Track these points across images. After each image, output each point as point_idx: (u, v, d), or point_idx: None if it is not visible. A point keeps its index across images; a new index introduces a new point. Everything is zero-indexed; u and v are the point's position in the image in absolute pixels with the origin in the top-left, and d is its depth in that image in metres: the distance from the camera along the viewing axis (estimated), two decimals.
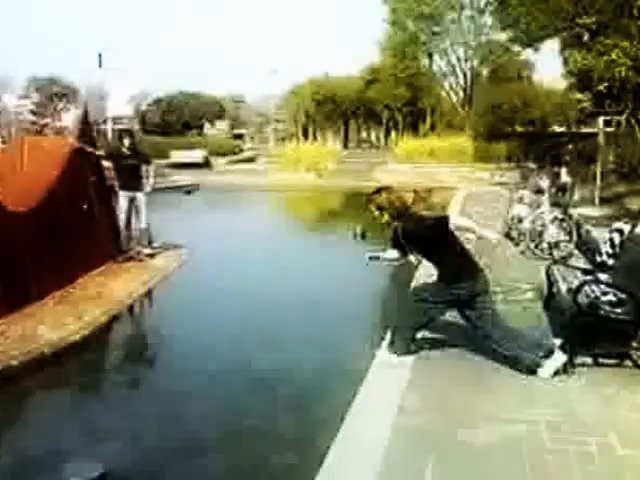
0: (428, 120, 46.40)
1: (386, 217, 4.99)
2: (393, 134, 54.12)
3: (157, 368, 6.55)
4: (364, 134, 66.73)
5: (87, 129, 10.34)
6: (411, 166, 28.04)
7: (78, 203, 9.33)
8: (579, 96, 21.66)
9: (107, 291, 8.37)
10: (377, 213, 5.03)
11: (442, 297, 4.97)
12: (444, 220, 4.99)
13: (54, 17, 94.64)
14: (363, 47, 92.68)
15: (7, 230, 7.28)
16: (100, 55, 30.35)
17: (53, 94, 51.13)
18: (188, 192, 23.18)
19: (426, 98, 47.02)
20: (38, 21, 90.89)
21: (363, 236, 13.28)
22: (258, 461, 4.38)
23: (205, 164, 33.58)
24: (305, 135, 51.70)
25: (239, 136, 55.83)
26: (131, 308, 8.31)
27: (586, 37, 17.90)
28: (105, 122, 30.36)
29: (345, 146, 54.44)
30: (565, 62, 20.56)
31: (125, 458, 4.44)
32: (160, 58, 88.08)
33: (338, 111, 55.08)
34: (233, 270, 10.22)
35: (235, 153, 41.25)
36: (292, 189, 23.84)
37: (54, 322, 6.97)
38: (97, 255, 9.51)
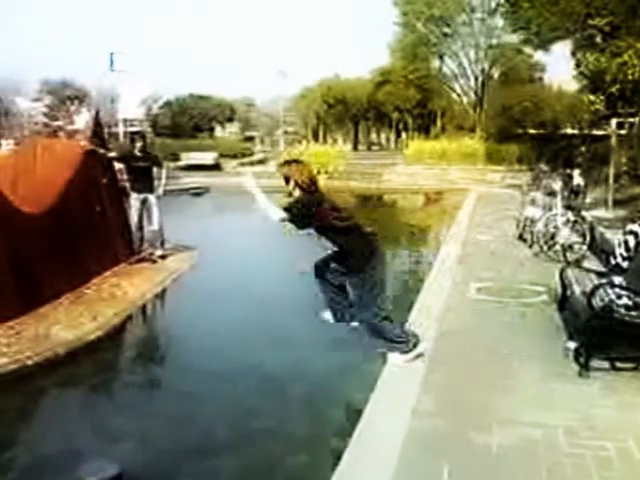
0: (439, 122, 46.40)
1: (290, 186, 5.16)
2: (403, 136, 54.12)
3: (171, 368, 6.57)
4: (374, 136, 66.71)
5: (99, 131, 10.40)
6: (422, 168, 28.02)
7: (91, 205, 9.38)
8: (591, 98, 21.54)
9: (120, 292, 8.41)
10: (284, 182, 5.22)
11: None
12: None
13: (65, 20, 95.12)
14: (373, 49, 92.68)
15: (22, 231, 7.33)
16: (112, 57, 30.45)
17: (65, 97, 51.38)
18: (198, 194, 23.25)
19: (437, 100, 47.04)
20: (49, 24, 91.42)
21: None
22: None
23: (215, 166, 33.65)
24: (315, 137, 51.76)
25: (250, 138, 55.91)
26: (144, 309, 8.34)
27: (599, 39, 17.81)
28: (117, 124, 30.50)
29: (355, 148, 54.41)
30: (577, 64, 20.45)
31: (138, 458, 4.45)
32: (170, 61, 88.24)
33: (348, 113, 55.10)
34: (245, 271, 10.22)
35: (245, 155, 41.32)
36: None
37: (69, 322, 7.02)
38: (110, 256, 9.56)
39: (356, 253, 5.06)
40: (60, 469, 4.31)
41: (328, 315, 5.60)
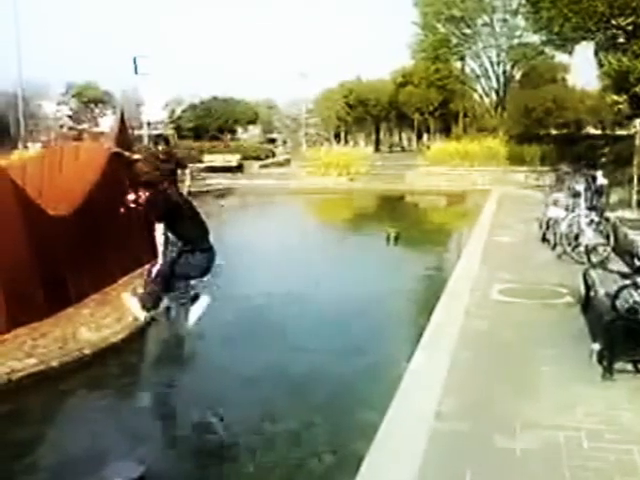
0: (460, 123, 46.16)
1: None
2: (425, 137, 53.97)
3: (192, 370, 6.64)
4: (396, 137, 66.54)
5: (124, 134, 10.49)
6: (444, 169, 27.90)
7: (116, 207, 9.45)
8: (615, 98, 21.29)
9: None
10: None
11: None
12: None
13: (90, 24, 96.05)
14: (394, 50, 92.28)
15: (49, 234, 7.44)
16: (135, 61, 30.67)
17: (90, 100, 52.03)
18: (221, 195, 23.37)
19: (458, 101, 46.81)
20: (75, 28, 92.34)
21: (396, 240, 13.37)
22: None
23: (238, 168, 33.84)
24: (337, 139, 51.82)
25: (272, 140, 56.11)
26: (168, 310, 8.39)
27: (622, 39, 17.61)
28: (141, 127, 30.75)
29: (377, 149, 54.31)
30: (600, 64, 20.23)
31: (158, 459, 4.52)
32: (193, 64, 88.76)
33: (369, 114, 55.05)
34: (267, 274, 10.26)
35: (268, 157, 41.42)
36: (325, 192, 23.88)
37: (94, 324, 7.11)
38: (135, 258, 9.62)
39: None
40: (85, 469, 4.38)
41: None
